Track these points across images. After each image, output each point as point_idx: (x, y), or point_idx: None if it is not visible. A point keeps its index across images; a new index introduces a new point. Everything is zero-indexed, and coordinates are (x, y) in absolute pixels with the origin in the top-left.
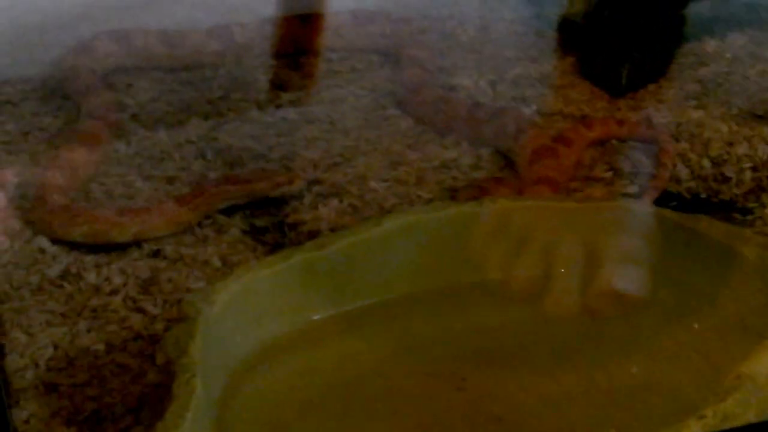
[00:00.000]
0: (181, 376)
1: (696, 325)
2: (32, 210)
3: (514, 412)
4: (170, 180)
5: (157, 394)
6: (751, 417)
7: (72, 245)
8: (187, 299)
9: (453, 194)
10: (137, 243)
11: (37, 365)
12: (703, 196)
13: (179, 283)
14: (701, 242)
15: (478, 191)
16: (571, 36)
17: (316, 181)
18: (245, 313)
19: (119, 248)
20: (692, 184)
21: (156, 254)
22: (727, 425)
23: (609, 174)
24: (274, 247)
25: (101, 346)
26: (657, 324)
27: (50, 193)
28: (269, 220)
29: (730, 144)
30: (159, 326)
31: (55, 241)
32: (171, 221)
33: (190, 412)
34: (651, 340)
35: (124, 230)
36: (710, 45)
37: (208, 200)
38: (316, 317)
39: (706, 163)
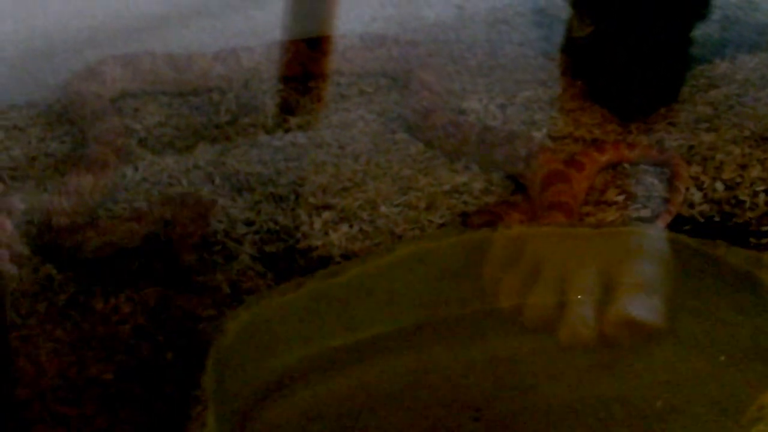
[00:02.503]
0: (193, 409)
1: (714, 354)
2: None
3: None
4: None
5: (168, 425)
6: None
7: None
8: (198, 328)
9: (464, 219)
10: None
11: (44, 396)
12: (717, 219)
13: (188, 310)
14: (720, 269)
15: (490, 216)
16: (579, 58)
17: (326, 207)
18: (257, 343)
19: None
20: (705, 207)
21: (165, 281)
22: None
23: (621, 198)
24: (285, 273)
25: (110, 376)
26: (674, 352)
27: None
28: (279, 246)
29: (743, 167)
30: (169, 355)
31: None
32: None
33: None
34: (668, 369)
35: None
36: (721, 67)
37: None
38: (328, 346)
39: (719, 186)
